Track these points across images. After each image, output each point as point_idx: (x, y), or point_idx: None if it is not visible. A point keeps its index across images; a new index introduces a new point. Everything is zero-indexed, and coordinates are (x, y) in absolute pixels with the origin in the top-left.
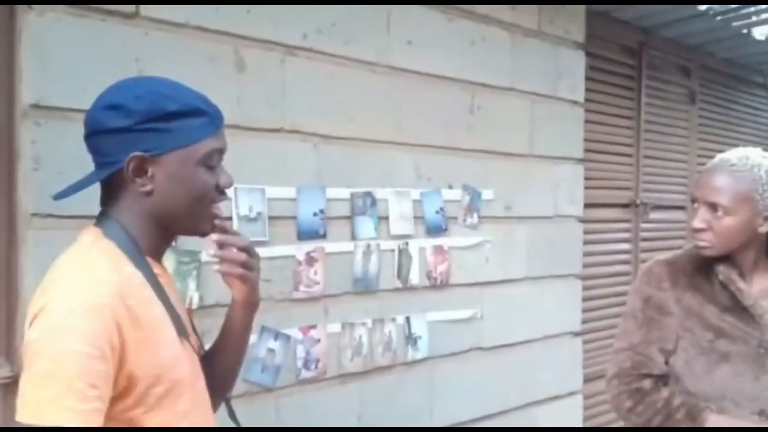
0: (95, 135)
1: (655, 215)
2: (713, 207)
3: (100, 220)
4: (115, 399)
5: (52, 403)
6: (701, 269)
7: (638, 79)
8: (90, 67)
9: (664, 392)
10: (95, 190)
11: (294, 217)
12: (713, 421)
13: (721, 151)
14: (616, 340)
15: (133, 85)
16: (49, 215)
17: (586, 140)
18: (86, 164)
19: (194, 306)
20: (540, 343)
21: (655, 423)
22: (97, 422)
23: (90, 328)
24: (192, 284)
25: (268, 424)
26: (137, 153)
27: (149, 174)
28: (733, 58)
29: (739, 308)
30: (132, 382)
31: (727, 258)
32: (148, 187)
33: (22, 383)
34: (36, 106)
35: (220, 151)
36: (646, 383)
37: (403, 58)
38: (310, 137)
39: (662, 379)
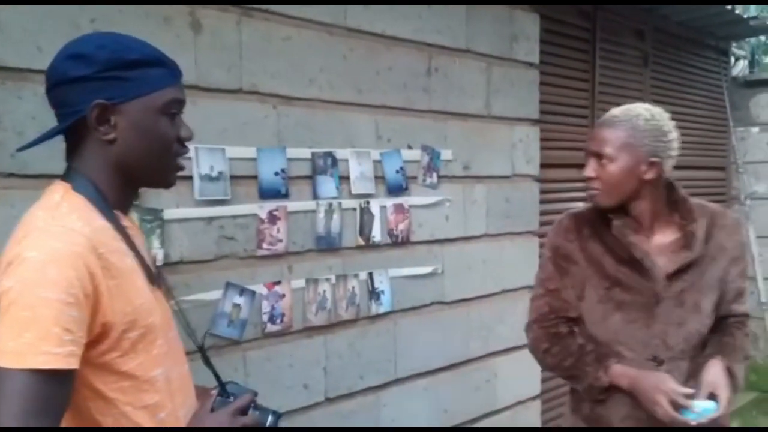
0: (58, 86)
1: None
2: (599, 156)
3: (68, 174)
4: (91, 344)
5: (30, 347)
6: (605, 222)
7: (593, 42)
8: (46, 28)
9: (579, 339)
10: (57, 150)
11: (255, 177)
12: (616, 368)
13: (674, 113)
14: (534, 289)
15: (95, 36)
16: (11, 174)
17: (542, 102)
18: (45, 124)
19: (159, 263)
20: (498, 297)
21: (567, 364)
22: (74, 364)
23: (63, 276)
24: (156, 242)
25: (237, 375)
26: (99, 100)
27: (112, 122)
28: (685, 21)
29: (633, 260)
30: (106, 328)
31: (624, 211)
32: (111, 135)
33: (0, 330)
34: None
35: (180, 102)
36: (563, 328)
37: (361, 20)
38: (269, 98)
39: (577, 323)
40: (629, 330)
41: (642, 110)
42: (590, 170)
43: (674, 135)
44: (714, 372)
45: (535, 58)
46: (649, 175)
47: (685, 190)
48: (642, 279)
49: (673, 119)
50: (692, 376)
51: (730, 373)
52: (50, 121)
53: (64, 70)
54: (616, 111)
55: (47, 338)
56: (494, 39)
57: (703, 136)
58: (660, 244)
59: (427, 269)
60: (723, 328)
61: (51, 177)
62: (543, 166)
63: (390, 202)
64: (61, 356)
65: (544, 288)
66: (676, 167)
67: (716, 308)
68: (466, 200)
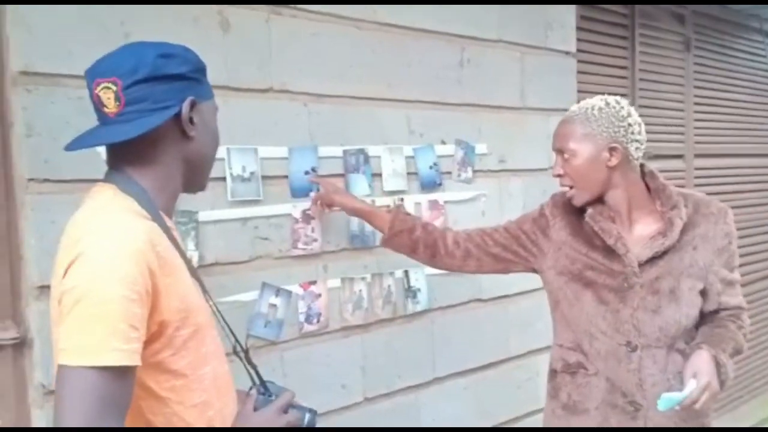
0: (152, 80)
1: (652, 164)
2: (562, 153)
3: (113, 176)
4: (147, 342)
5: (100, 344)
6: (581, 209)
7: (631, 28)
8: (76, 31)
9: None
10: (90, 154)
11: (287, 176)
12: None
13: (717, 98)
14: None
15: (166, 42)
16: (46, 180)
17: (579, 91)
18: (79, 128)
19: (194, 265)
20: (537, 293)
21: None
22: (138, 361)
23: (129, 272)
24: (191, 244)
25: (275, 376)
26: (192, 97)
27: (193, 120)
28: (727, 4)
29: (606, 247)
30: (162, 326)
31: (601, 202)
32: (193, 132)
33: (65, 329)
34: (25, 73)
35: None
36: (462, 238)
37: (389, 13)
38: (299, 96)
39: (471, 240)
40: (600, 311)
41: (597, 101)
42: (557, 168)
43: (634, 119)
44: (697, 360)
45: (572, 47)
46: (613, 162)
47: (699, 180)
48: (613, 265)
49: (717, 105)
50: (672, 366)
51: (717, 363)
52: (84, 125)
53: (161, 66)
54: (573, 107)
55: (116, 334)
56: (528, 27)
57: (749, 122)
58: (640, 234)
59: None
60: (714, 320)
61: (85, 182)
62: None
63: (424, 198)
64: (128, 353)
65: (506, 224)
66: (723, 155)
67: (704, 300)
68: (503, 194)
